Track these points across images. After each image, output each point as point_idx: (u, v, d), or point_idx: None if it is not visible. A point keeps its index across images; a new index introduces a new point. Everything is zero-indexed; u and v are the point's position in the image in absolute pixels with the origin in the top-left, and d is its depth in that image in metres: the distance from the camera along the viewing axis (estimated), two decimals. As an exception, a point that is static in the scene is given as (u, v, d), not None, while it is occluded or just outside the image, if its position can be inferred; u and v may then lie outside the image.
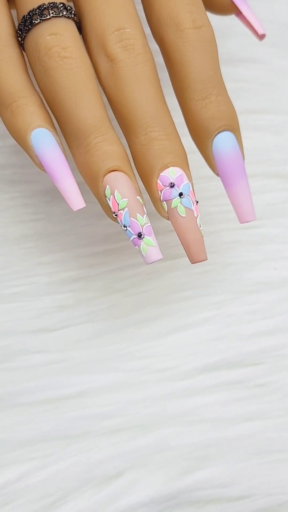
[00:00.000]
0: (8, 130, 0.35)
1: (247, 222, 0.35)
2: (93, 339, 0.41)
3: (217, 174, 0.36)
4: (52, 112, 0.35)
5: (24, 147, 0.35)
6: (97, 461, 0.38)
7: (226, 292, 0.42)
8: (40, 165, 0.35)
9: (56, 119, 0.35)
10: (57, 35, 0.34)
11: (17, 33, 0.36)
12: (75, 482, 0.38)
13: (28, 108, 0.35)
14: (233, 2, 0.40)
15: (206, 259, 0.34)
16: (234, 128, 0.35)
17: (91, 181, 0.34)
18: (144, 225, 0.34)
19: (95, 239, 0.42)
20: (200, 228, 0.34)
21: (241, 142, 0.36)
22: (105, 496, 0.38)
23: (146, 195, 0.35)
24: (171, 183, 0.34)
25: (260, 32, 0.40)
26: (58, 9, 0.35)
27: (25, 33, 0.35)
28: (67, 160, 0.35)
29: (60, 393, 0.39)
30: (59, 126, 0.35)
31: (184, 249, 0.34)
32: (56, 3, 0.35)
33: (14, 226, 0.42)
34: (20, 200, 0.42)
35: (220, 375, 0.41)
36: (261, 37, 0.41)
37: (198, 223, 0.34)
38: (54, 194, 0.43)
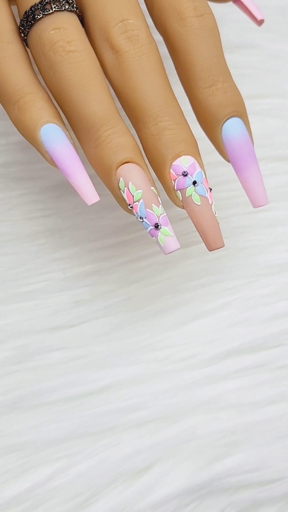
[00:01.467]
0: (16, 127, 0.31)
1: (261, 206, 0.32)
2: (112, 332, 0.36)
3: (228, 161, 0.33)
4: (60, 107, 0.32)
5: (33, 143, 0.31)
6: (125, 456, 0.34)
7: (240, 277, 0.38)
8: (52, 161, 0.31)
9: (64, 114, 0.32)
10: (61, 29, 0.31)
11: (19, 29, 0.32)
12: (105, 478, 0.34)
13: (36, 104, 0.31)
14: None
15: (223, 246, 0.31)
16: (242, 114, 0.32)
17: (104, 174, 0.31)
18: (160, 216, 0.31)
19: (106, 232, 0.38)
20: (216, 215, 0.31)
21: (249, 127, 0.33)
22: (136, 490, 0.34)
23: (159, 184, 0.32)
24: (184, 172, 0.31)
25: (259, 17, 0.37)
26: (60, 3, 0.31)
27: (28, 28, 0.31)
28: (78, 154, 0.31)
29: (82, 390, 0.35)
30: (68, 121, 0.32)
31: (201, 237, 0.31)
32: None
33: (24, 224, 0.38)
34: (28, 197, 0.38)
35: (241, 360, 0.37)
36: (260, 22, 0.37)
37: (213, 210, 0.31)
38: (62, 189, 0.39)
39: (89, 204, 0.31)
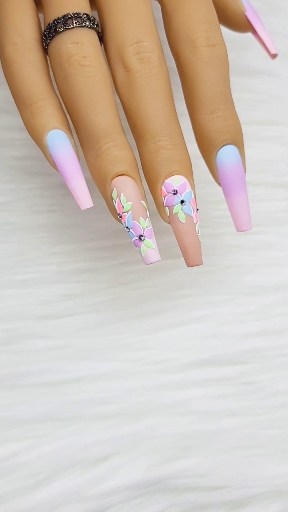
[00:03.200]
0: (26, 129, 0.30)
1: (243, 231, 0.31)
2: (95, 328, 0.35)
3: (219, 184, 0.31)
4: (69, 115, 0.30)
5: (40, 146, 0.30)
6: (86, 444, 0.33)
7: (223, 293, 0.36)
8: (54, 165, 0.30)
9: (72, 122, 0.30)
10: (78, 44, 0.30)
11: (42, 38, 0.31)
12: (65, 462, 0.33)
13: (46, 110, 0.30)
14: (248, 21, 0.35)
15: (201, 264, 0.30)
16: (237, 142, 0.31)
17: (100, 183, 0.30)
18: (145, 228, 0.30)
19: (105, 234, 0.37)
20: (198, 234, 0.30)
21: (244, 156, 0.32)
22: (91, 477, 0.33)
23: (150, 198, 0.30)
24: (174, 190, 0.30)
25: (272, 51, 0.35)
26: (81, 19, 0.30)
27: (49, 39, 0.30)
28: (79, 161, 0.30)
29: (59, 378, 0.34)
30: (75, 129, 0.30)
31: (182, 253, 0.30)
32: (80, 13, 0.30)
33: (30, 216, 0.37)
34: (38, 191, 0.37)
35: (210, 371, 0.35)
36: (273, 56, 0.35)
37: (196, 229, 0.30)
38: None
39: (82, 209, 0.30)
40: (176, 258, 0.37)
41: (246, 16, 0.35)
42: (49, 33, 0.30)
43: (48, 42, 0.30)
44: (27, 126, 0.30)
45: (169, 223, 0.30)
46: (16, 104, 0.31)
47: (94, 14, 0.32)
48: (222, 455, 0.33)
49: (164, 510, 0.32)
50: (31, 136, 0.30)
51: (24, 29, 0.31)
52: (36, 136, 0.30)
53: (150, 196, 0.31)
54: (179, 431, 0.33)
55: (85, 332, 0.35)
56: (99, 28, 0.31)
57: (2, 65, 0.31)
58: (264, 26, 0.35)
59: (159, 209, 0.30)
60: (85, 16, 0.30)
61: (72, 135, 0.31)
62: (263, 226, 0.37)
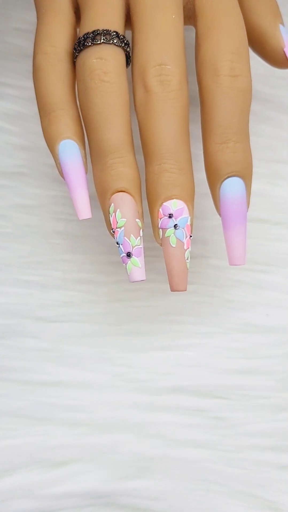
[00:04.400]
0: (43, 135, 0.36)
1: (236, 265, 0.34)
2: (84, 338, 0.41)
3: (219, 215, 0.35)
4: (84, 127, 0.36)
5: (52, 153, 0.36)
6: (50, 447, 0.39)
7: (216, 325, 0.41)
8: (61, 173, 0.36)
9: (86, 134, 0.36)
10: (102, 59, 0.35)
11: (73, 51, 0.37)
12: (26, 459, 0.39)
13: (63, 120, 0.36)
14: (286, 57, 0.39)
15: (185, 290, 0.34)
16: (244, 176, 0.35)
17: (100, 196, 0.35)
18: (134, 246, 0.34)
19: (114, 249, 0.42)
20: (187, 261, 0.34)
21: (249, 190, 0.35)
22: (48, 478, 0.38)
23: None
24: (170, 214, 0.34)
25: None
26: (110, 36, 0.35)
27: (78, 53, 0.36)
28: (86, 173, 0.36)
29: (39, 378, 0.40)
30: (88, 141, 0.36)
31: (168, 276, 0.34)
32: (110, 30, 0.35)
33: (49, 222, 0.43)
34: (61, 199, 0.43)
35: (185, 399, 0.39)
36: None
37: (185, 256, 0.34)
38: (92, 202, 0.43)
39: (80, 219, 0.35)
40: (177, 284, 0.41)
41: (284, 52, 0.39)
42: (78, 47, 0.36)
43: (77, 55, 0.36)
44: (44, 132, 0.36)
45: (161, 245, 0.35)
46: (38, 110, 0.37)
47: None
48: (177, 483, 0.37)
49: (108, 524, 0.36)
50: (46, 142, 0.36)
51: (57, 40, 0.37)
52: (50, 144, 0.36)
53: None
54: (141, 452, 0.38)
55: (73, 339, 0.40)
56: (129, 47, 0.36)
57: (32, 72, 0.37)
58: None
59: (154, 230, 0.35)
60: (114, 33, 0.35)
61: (84, 147, 0.36)
62: (272, 266, 0.41)
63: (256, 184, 0.44)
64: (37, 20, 0.38)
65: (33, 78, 0.37)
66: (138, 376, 0.40)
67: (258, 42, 0.39)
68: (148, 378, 0.40)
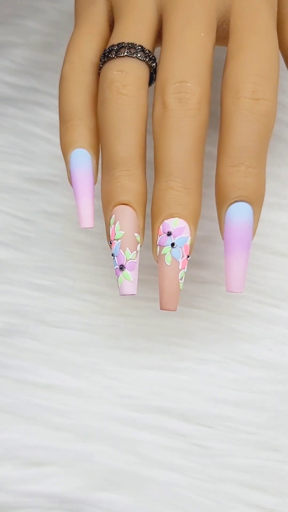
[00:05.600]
0: (60, 141, 0.43)
1: (232, 292, 0.38)
2: (81, 346, 0.47)
3: (222, 238, 0.39)
4: (99, 137, 0.41)
5: (65, 160, 0.42)
6: (29, 446, 0.44)
7: (215, 353, 0.46)
8: (70, 180, 0.42)
9: (100, 144, 0.41)
10: (123, 72, 0.40)
11: (99, 62, 0.42)
12: (4, 454, 0.44)
13: (79, 129, 0.41)
14: None
15: (174, 310, 0.38)
16: (253, 202, 0.38)
17: (104, 207, 0.40)
18: (128, 260, 0.38)
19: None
20: (180, 281, 0.38)
21: (257, 217, 0.39)
22: (19, 475, 0.43)
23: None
24: (169, 232, 0.38)
25: None
26: (134, 50, 0.40)
27: (102, 64, 0.42)
28: (94, 183, 0.42)
29: (31, 379, 0.46)
30: (101, 152, 0.41)
31: (159, 294, 0.39)
32: (135, 44, 0.40)
33: (70, 231, 0.50)
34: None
35: (169, 421, 0.44)
36: None
37: (179, 276, 0.38)
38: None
39: (81, 227, 0.41)
40: (185, 307, 0.47)
41: None
42: (103, 58, 0.41)
43: (101, 67, 0.42)
44: (60, 140, 0.43)
45: (157, 261, 0.39)
46: (59, 117, 0.43)
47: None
48: (144, 503, 0.41)
49: (68, 531, 0.41)
50: (61, 149, 0.43)
51: (85, 51, 0.43)
52: (64, 151, 0.42)
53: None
54: (115, 465, 0.43)
55: (71, 346, 0.46)
56: (155, 63, 0.41)
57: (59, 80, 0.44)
58: None
59: (153, 245, 0.40)
60: (139, 47, 0.40)
61: (97, 157, 0.42)
62: (286, 302, 0.46)
63: (287, 217, 0.48)
64: (73, 30, 0.44)
65: (58, 86, 0.43)
66: (128, 392, 0.45)
67: None
68: (137, 395, 0.45)
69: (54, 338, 0.47)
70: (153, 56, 0.41)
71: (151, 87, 0.42)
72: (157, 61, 0.41)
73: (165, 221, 0.38)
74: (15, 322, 0.48)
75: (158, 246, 0.39)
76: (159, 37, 0.42)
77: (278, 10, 0.44)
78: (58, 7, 0.59)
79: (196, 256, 0.48)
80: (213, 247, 0.47)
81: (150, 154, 0.41)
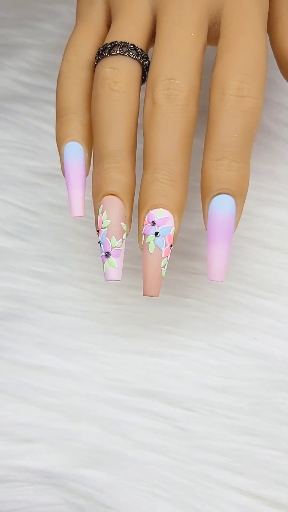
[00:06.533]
0: (55, 135, 0.45)
1: (214, 281, 0.40)
2: (74, 331, 0.48)
3: (206, 229, 0.41)
4: (92, 131, 0.43)
5: (59, 153, 0.44)
6: (19, 423, 0.46)
7: (202, 341, 0.47)
8: (63, 171, 0.44)
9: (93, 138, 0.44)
10: (115, 69, 0.42)
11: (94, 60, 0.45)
12: (-6, 429, 0.46)
13: (73, 124, 0.44)
14: None
15: (157, 296, 0.40)
16: (236, 194, 0.40)
17: (94, 197, 0.42)
18: (114, 247, 0.41)
19: (128, 256, 0.50)
20: (163, 269, 0.40)
21: (240, 210, 0.40)
22: (7, 451, 0.45)
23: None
24: (153, 222, 0.40)
25: None
26: (126, 48, 0.42)
27: (96, 62, 0.44)
28: (86, 175, 0.44)
29: (25, 360, 0.48)
30: (93, 144, 0.44)
31: (142, 280, 0.41)
32: (128, 43, 0.42)
33: (72, 223, 0.52)
34: (88, 203, 0.50)
35: (154, 405, 0.45)
36: None
37: (162, 264, 0.40)
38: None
39: (72, 216, 0.43)
40: (176, 296, 0.48)
41: None
42: (98, 56, 0.44)
43: (95, 64, 0.44)
44: (56, 133, 0.45)
45: (142, 250, 0.41)
46: (55, 112, 0.45)
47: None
48: (125, 481, 0.43)
49: (51, 504, 0.43)
50: (56, 142, 0.45)
51: (82, 50, 0.45)
52: (58, 144, 0.45)
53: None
54: (100, 444, 0.44)
55: (65, 331, 0.48)
56: (147, 61, 0.43)
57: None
58: None
59: (139, 235, 0.42)
60: (131, 46, 0.42)
61: (90, 150, 0.44)
62: (273, 293, 0.47)
63: (279, 213, 0.50)
64: (73, 29, 0.47)
65: (56, 83, 0.45)
66: (116, 375, 0.47)
67: (287, 69, 0.45)
68: (124, 378, 0.46)
69: (50, 323, 0.49)
70: (145, 54, 0.43)
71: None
72: (149, 59, 0.43)
73: (150, 211, 0.40)
74: (14, 307, 0.50)
75: (143, 235, 0.41)
76: (153, 37, 0.44)
77: (270, 12, 0.45)
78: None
79: (188, 248, 0.50)
80: (204, 239, 0.48)
81: (142, 148, 0.42)
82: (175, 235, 0.41)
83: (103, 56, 0.43)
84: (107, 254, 0.41)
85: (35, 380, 0.47)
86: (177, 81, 0.41)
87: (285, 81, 0.50)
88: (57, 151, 0.44)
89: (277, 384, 0.45)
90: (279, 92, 0.54)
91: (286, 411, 0.44)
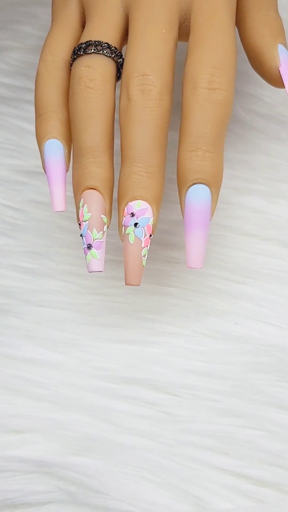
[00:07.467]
0: (35, 133, 0.45)
1: (192, 268, 0.41)
2: (61, 323, 0.49)
3: (183, 219, 0.42)
4: (71, 128, 0.44)
5: (39, 150, 0.46)
6: (10, 414, 0.46)
7: (185, 327, 0.47)
8: (44, 168, 0.45)
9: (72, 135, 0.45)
10: (90, 67, 0.43)
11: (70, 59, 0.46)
12: (-14, 421, 0.46)
13: (51, 122, 0.45)
14: (281, 76, 0.45)
15: (138, 285, 0.41)
16: (211, 184, 0.41)
17: (74, 191, 0.43)
18: (95, 239, 0.42)
19: (108, 248, 0.50)
20: (143, 258, 0.41)
21: (215, 199, 0.41)
22: (2, 441, 0.45)
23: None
24: (132, 213, 0.41)
25: None
26: (101, 47, 0.43)
27: (72, 61, 0.45)
28: (66, 171, 0.45)
29: (13, 353, 0.48)
30: (72, 141, 0.44)
31: (124, 270, 0.42)
32: (101, 42, 0.43)
33: (56, 218, 0.53)
34: (70, 199, 0.50)
35: (140, 391, 0.46)
36: None
37: (142, 253, 0.41)
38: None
39: (54, 210, 0.44)
40: (158, 285, 0.49)
41: (279, 71, 0.45)
42: (73, 55, 0.45)
43: (71, 63, 0.45)
44: (35, 131, 0.46)
45: (122, 241, 0.42)
46: (34, 111, 0.46)
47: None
48: (114, 466, 0.43)
49: (43, 492, 0.43)
50: (36, 140, 0.45)
51: (58, 50, 0.46)
52: (38, 141, 0.46)
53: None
54: (90, 432, 0.45)
55: (52, 324, 0.49)
56: (121, 59, 0.44)
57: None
58: None
59: (119, 226, 0.43)
60: (105, 44, 0.43)
61: (69, 147, 0.45)
62: (251, 279, 0.48)
63: (255, 201, 0.50)
64: (49, 31, 0.47)
65: (34, 83, 0.46)
66: (102, 365, 0.47)
67: (256, 61, 0.46)
68: (111, 367, 0.47)
69: (37, 316, 0.50)
70: (119, 52, 0.44)
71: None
72: (123, 57, 0.44)
73: (129, 203, 0.41)
74: (1, 302, 0.50)
75: (123, 227, 0.42)
76: (126, 35, 0.45)
77: (238, 6, 0.46)
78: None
79: (169, 238, 0.50)
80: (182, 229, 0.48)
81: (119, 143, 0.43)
82: (154, 225, 0.42)
83: (78, 56, 0.44)
84: (89, 246, 0.42)
85: (24, 372, 0.48)
86: (150, 77, 0.42)
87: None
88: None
89: (257, 366, 0.45)
90: (252, 84, 0.54)
91: (267, 392, 0.44)
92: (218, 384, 0.46)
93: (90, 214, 0.42)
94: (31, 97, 0.56)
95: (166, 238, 0.50)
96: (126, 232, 0.41)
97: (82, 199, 0.42)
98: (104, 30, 0.44)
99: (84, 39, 0.44)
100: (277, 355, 0.46)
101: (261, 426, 0.44)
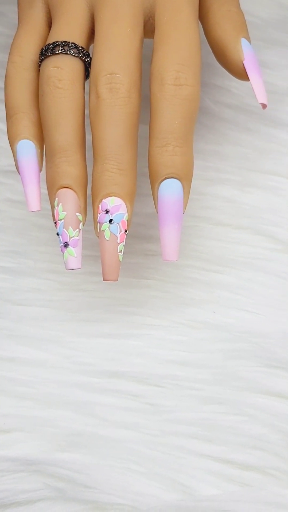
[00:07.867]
0: (7, 135, 0.45)
1: (168, 261, 0.42)
2: (42, 321, 0.49)
3: (157, 213, 0.42)
4: (42, 128, 0.44)
5: (12, 151, 0.46)
6: (-4, 414, 0.46)
7: (164, 319, 0.48)
8: (18, 168, 0.45)
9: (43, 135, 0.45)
10: (58, 68, 0.43)
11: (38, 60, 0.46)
12: (-28, 421, 0.46)
13: (23, 122, 0.45)
14: (245, 70, 0.45)
15: (116, 280, 0.42)
16: (182, 178, 0.41)
17: (48, 191, 0.44)
18: (72, 237, 0.42)
19: (85, 245, 0.50)
20: (120, 253, 0.42)
21: (187, 192, 0.42)
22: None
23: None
24: (107, 210, 0.41)
25: (260, 101, 0.45)
26: (68, 47, 0.43)
27: (40, 62, 0.45)
28: (40, 171, 0.45)
29: (-4, 353, 0.48)
30: (44, 141, 0.44)
31: (101, 266, 0.42)
32: (68, 42, 0.43)
33: (32, 217, 0.52)
34: (46, 197, 0.50)
35: (122, 384, 0.46)
36: (263, 106, 0.45)
37: (118, 249, 0.41)
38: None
39: (29, 210, 0.44)
40: (135, 278, 0.49)
41: (243, 65, 0.45)
42: (41, 56, 0.45)
43: (39, 64, 0.45)
44: (7, 132, 0.46)
45: (98, 237, 0.43)
46: (5, 112, 0.46)
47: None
48: (101, 460, 0.44)
49: (32, 490, 0.43)
50: (8, 141, 0.45)
51: (26, 51, 0.46)
52: (10, 142, 0.46)
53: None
54: (75, 427, 0.45)
55: (33, 322, 0.49)
56: (89, 58, 0.44)
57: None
58: (260, 76, 0.46)
59: (94, 224, 0.43)
60: (72, 45, 0.44)
61: (41, 147, 0.45)
62: (227, 267, 0.48)
63: (227, 190, 0.51)
64: (16, 32, 0.47)
65: (4, 84, 0.46)
66: (85, 360, 0.47)
67: (220, 55, 0.46)
68: (93, 362, 0.47)
69: (18, 315, 0.50)
70: (87, 52, 0.44)
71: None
72: (91, 56, 0.44)
73: (103, 200, 0.41)
74: (-14, 300, 0.50)
75: (98, 223, 0.42)
76: (93, 34, 0.45)
77: (201, 2, 0.46)
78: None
79: (144, 231, 0.51)
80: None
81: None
82: (128, 220, 0.42)
83: (46, 56, 0.44)
84: (65, 244, 0.42)
85: (7, 371, 0.48)
86: (117, 75, 0.42)
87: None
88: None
89: (236, 353, 0.46)
90: (219, 76, 0.55)
91: (246, 378, 0.45)
92: (199, 373, 0.46)
93: (65, 213, 0.42)
94: (2, 96, 0.57)
95: (142, 231, 0.51)
96: (102, 228, 0.41)
97: (56, 198, 0.42)
98: (70, 30, 0.44)
99: (51, 39, 0.44)
100: (254, 341, 0.46)
101: (242, 412, 0.44)
